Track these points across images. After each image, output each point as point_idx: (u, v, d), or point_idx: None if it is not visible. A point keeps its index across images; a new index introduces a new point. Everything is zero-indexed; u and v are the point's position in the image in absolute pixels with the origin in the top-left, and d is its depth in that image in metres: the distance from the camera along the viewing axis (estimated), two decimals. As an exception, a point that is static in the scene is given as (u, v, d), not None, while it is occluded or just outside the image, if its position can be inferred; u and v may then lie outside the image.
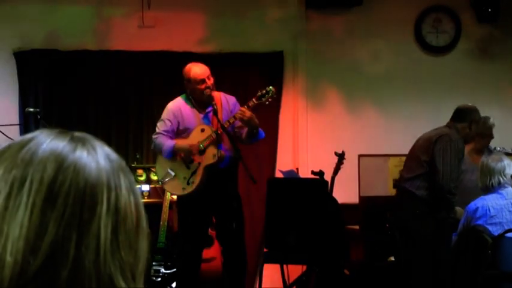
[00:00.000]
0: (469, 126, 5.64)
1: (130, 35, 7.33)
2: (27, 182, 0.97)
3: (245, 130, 5.75)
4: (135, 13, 7.27)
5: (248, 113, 5.61)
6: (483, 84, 7.58)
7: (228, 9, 7.44)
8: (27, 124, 6.73)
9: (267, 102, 5.84)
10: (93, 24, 7.32)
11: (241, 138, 5.79)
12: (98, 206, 0.99)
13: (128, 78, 7.30)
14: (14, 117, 7.02)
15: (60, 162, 1.00)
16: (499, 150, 6.45)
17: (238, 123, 5.73)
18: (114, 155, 1.06)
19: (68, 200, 0.97)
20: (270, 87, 5.81)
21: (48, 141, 1.02)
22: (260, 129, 5.79)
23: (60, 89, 7.21)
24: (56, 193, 0.97)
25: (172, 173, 5.74)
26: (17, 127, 6.75)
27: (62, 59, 7.19)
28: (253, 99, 5.74)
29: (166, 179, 5.76)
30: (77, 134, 1.06)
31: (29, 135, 1.05)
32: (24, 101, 7.11)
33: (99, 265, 0.98)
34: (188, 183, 5.70)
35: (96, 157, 1.02)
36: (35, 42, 7.20)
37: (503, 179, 5.20)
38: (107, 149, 1.06)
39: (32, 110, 6.14)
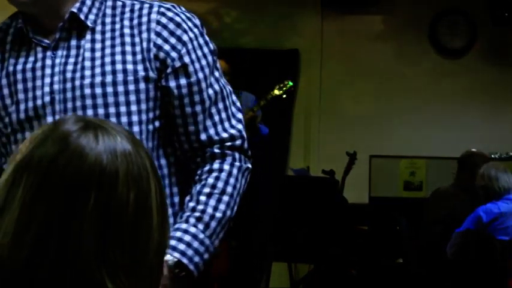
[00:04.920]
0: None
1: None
2: (27, 168, 0.96)
3: None
4: (151, 6, 7.28)
5: (250, 114, 5.65)
6: (498, 87, 7.55)
7: (243, 5, 7.44)
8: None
9: (285, 96, 5.89)
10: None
11: None
12: (83, 204, 0.96)
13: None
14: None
15: (63, 146, 0.98)
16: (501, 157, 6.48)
17: None
18: (123, 147, 1.01)
19: (55, 195, 0.95)
20: (288, 81, 5.86)
21: (64, 125, 1.00)
22: (262, 126, 5.83)
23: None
24: (43, 187, 0.95)
25: None
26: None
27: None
28: (271, 92, 5.79)
29: None
30: (96, 120, 1.03)
31: (58, 119, 1.05)
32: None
33: (81, 267, 0.95)
34: None
35: (97, 149, 0.99)
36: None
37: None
38: (119, 139, 1.02)
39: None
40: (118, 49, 1.72)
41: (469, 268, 5.20)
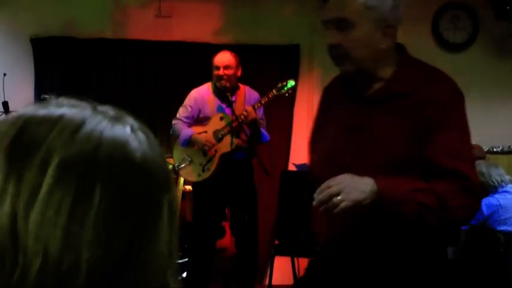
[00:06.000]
0: None
1: (147, 25, 7.34)
2: (97, 179, 0.90)
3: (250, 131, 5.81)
4: (152, 2, 7.28)
5: (252, 115, 5.65)
6: (500, 82, 7.55)
7: (245, 0, 7.43)
8: (42, 111, 6.75)
9: (287, 94, 5.90)
10: (110, 12, 7.34)
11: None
12: (160, 211, 0.95)
13: (144, 67, 7.32)
14: (30, 103, 7.03)
15: (128, 159, 0.93)
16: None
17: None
18: (157, 144, 1.01)
19: (137, 202, 0.92)
20: (291, 79, 5.87)
21: (109, 128, 0.94)
22: (265, 133, 5.85)
23: (76, 76, 7.23)
24: (125, 194, 0.91)
25: (189, 159, 5.78)
26: (32, 113, 6.78)
27: (79, 46, 7.21)
28: (273, 90, 5.80)
29: (182, 165, 5.80)
30: (132, 121, 0.99)
31: (76, 115, 0.94)
32: (39, 88, 7.13)
33: (159, 269, 0.95)
34: (204, 170, 5.75)
35: (156, 156, 0.97)
36: (52, 29, 7.21)
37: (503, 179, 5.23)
38: (150, 136, 1.01)
39: (47, 96, 6.15)
40: None
41: (473, 263, 5.19)
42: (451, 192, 2.34)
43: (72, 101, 0.98)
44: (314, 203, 2.29)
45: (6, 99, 6.19)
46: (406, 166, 2.37)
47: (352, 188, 2.27)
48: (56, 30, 7.21)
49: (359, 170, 2.36)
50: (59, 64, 7.21)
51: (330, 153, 2.55)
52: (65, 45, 7.19)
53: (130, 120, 0.99)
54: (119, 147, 0.93)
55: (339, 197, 2.25)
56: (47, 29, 7.21)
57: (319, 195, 2.28)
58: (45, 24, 7.21)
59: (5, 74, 6.61)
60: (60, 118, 0.93)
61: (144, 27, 7.33)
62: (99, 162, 0.90)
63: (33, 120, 0.94)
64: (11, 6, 7.18)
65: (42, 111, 0.96)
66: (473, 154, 2.64)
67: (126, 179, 0.91)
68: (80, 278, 0.88)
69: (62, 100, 0.99)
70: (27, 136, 0.92)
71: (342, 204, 2.25)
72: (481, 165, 5.27)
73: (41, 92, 6.85)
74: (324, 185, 2.29)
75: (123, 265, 0.91)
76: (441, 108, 2.46)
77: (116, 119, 0.96)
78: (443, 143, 2.41)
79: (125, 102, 7.22)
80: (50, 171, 0.89)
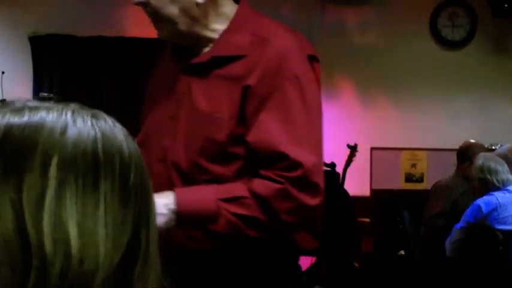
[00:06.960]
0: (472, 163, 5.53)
1: (147, 23, 7.29)
2: (100, 175, 0.91)
3: None
4: (151, 0, 7.27)
5: None
6: (498, 79, 7.55)
7: (243, -2, 7.43)
8: (41, 109, 6.75)
9: None
10: (109, 10, 7.32)
11: None
12: (150, 193, 0.98)
13: (144, 65, 7.27)
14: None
15: (121, 152, 0.95)
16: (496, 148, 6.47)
17: None
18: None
19: (134, 192, 0.94)
20: None
21: (95, 125, 0.95)
22: None
23: (75, 74, 7.21)
24: (128, 188, 0.93)
25: None
26: (31, 112, 6.77)
27: (78, 44, 7.19)
28: None
29: None
30: (103, 113, 1.01)
31: (57, 117, 0.94)
32: (38, 86, 7.11)
33: (156, 259, 0.97)
34: None
35: (133, 144, 1.00)
36: (51, 27, 7.20)
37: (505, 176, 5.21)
38: None
39: (46, 95, 6.15)
40: None
41: (472, 262, 5.19)
42: (276, 194, 1.90)
43: (40, 103, 0.97)
44: None
45: (4, 98, 6.19)
46: (227, 151, 1.96)
47: None
48: (55, 28, 7.20)
49: (175, 154, 2.00)
50: (58, 62, 7.19)
51: (150, 134, 2.12)
52: (64, 43, 7.18)
53: (102, 113, 1.00)
54: (111, 141, 0.94)
55: None
56: (46, 27, 7.19)
57: None
58: (44, 22, 7.20)
59: (3, 72, 6.61)
60: (42, 121, 0.93)
61: (143, 25, 7.30)
62: (98, 159, 0.92)
63: (16, 125, 0.92)
64: (9, 3, 7.17)
65: (18, 117, 0.93)
66: (318, 139, 2.06)
67: (122, 171, 0.93)
68: (99, 275, 0.89)
69: (29, 103, 0.96)
70: (15, 141, 0.90)
71: None
72: (489, 162, 5.25)
73: (40, 90, 6.84)
74: None
75: (131, 256, 0.92)
76: (268, 77, 1.97)
77: (94, 116, 0.97)
78: (266, 124, 1.94)
79: (124, 100, 7.21)
80: (52, 173, 0.89)
